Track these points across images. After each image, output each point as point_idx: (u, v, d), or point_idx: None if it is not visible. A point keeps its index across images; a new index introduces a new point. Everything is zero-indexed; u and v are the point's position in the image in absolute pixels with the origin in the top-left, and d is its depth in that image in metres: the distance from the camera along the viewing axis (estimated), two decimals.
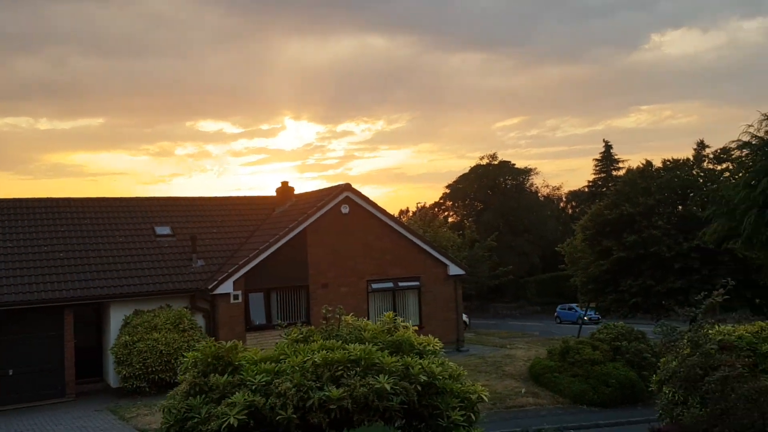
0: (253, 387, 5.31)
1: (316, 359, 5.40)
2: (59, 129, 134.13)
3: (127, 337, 18.75)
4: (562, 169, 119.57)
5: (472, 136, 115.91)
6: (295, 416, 4.99)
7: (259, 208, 25.62)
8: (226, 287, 20.47)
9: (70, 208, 22.64)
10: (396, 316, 6.48)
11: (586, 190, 64.41)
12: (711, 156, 30.19)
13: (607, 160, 63.68)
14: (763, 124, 14.22)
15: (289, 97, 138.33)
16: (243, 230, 24.11)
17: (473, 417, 5.74)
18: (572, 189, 73.85)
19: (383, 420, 5.17)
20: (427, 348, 6.08)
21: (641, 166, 33.49)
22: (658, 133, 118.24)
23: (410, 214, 65.19)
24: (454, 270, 25.07)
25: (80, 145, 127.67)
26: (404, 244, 24.14)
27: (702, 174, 30.88)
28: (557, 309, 29.96)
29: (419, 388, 5.43)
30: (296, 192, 26.52)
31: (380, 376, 5.26)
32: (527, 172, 66.80)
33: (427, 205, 69.18)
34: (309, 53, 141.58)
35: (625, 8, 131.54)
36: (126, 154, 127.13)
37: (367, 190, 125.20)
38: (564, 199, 74.82)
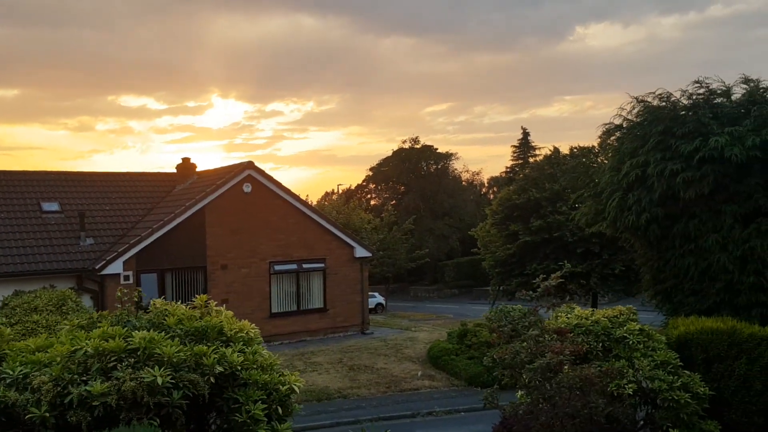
0: (9, 380, 4.74)
1: (88, 349, 4.87)
2: None
3: (4, 319, 17.54)
4: (488, 155, 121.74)
5: (401, 120, 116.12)
6: (49, 414, 4.48)
7: (159, 186, 24.55)
8: (116, 267, 19.52)
9: None
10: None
11: (504, 175, 65.38)
12: (615, 144, 30.90)
13: (524, 146, 64.81)
14: (634, 108, 14.42)
15: (216, 75, 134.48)
16: (139, 208, 23.03)
17: (281, 411, 5.34)
18: (494, 175, 75.00)
19: (160, 417, 4.71)
20: (239, 335, 5.62)
21: (549, 152, 34.27)
22: (579, 123, 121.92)
23: (335, 196, 64.65)
24: (360, 252, 24.81)
25: None
26: (310, 225, 23.68)
27: (606, 161, 31.87)
28: None
29: (212, 380, 4.99)
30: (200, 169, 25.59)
31: (155, 368, 4.77)
32: (448, 156, 67.32)
33: (352, 188, 68.85)
34: (238, 30, 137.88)
35: None
36: (43, 128, 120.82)
37: (296, 171, 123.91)
38: (486, 184, 75.90)
